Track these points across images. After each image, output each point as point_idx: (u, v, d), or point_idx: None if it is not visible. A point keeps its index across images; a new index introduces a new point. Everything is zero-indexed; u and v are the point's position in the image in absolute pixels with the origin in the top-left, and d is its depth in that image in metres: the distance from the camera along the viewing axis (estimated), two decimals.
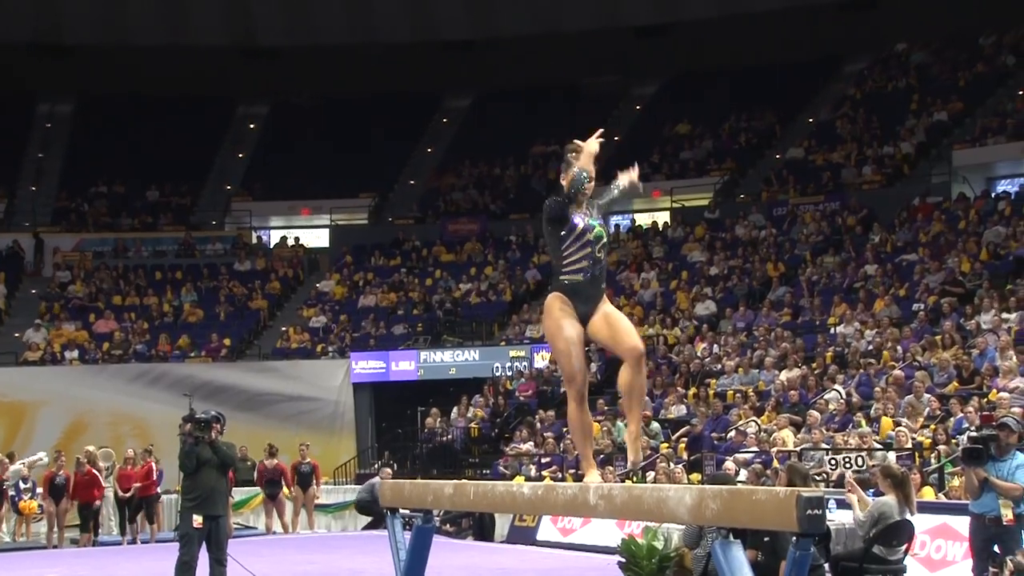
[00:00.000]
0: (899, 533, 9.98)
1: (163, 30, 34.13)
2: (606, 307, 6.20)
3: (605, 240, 6.18)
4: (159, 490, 19.61)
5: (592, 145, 6.29)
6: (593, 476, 6.11)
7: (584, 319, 6.14)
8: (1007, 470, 9.69)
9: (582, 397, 6.13)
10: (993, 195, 25.42)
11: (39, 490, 19.23)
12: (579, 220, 6.12)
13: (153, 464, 19.05)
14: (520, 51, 34.30)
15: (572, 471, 18.82)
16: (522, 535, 17.65)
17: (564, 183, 6.19)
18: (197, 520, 10.65)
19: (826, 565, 9.92)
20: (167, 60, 34.04)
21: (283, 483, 19.82)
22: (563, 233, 6.13)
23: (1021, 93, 27.72)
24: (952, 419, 15.15)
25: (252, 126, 37.20)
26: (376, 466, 24.59)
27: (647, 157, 33.06)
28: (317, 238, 34.49)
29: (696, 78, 33.83)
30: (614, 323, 6.10)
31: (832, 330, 21.27)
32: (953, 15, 30.34)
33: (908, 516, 9.88)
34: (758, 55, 32.59)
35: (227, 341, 28.78)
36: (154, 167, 34.43)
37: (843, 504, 11.61)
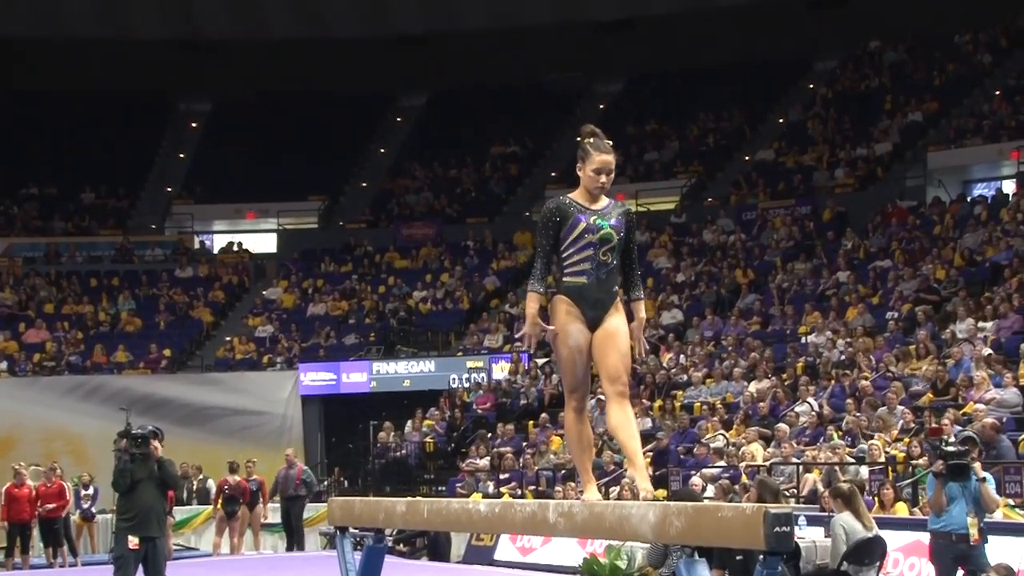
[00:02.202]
0: (870, 551, 10.08)
1: (100, 23, 33.95)
2: (615, 319, 5.86)
3: (615, 243, 5.83)
4: (93, 510, 19.45)
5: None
6: (592, 493, 5.90)
7: (593, 324, 5.83)
8: (974, 485, 9.79)
9: (581, 409, 5.96)
10: (969, 199, 25.69)
11: None
12: (582, 219, 5.82)
13: (65, 483, 18.81)
14: (478, 47, 34.37)
15: (532, 488, 18.84)
16: (479, 555, 17.64)
17: (580, 174, 5.90)
18: (133, 541, 10.55)
19: None
20: (103, 54, 33.85)
21: (242, 501, 19.66)
22: (563, 233, 5.85)
23: (998, 93, 28.04)
24: (926, 432, 15.28)
25: (194, 125, 37.01)
26: (326, 483, 24.52)
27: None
28: (263, 243, 34.35)
29: (662, 76, 34.03)
30: (610, 344, 5.79)
31: (803, 339, 21.40)
32: (927, 12, 30.69)
33: (871, 531, 10.01)
34: (727, 52, 32.82)
35: (167, 352, 28.60)
36: (89, 167, 34.18)
37: (814, 521, 11.72)
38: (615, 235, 5.84)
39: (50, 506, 18.13)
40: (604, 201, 5.91)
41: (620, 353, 5.80)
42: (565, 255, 5.87)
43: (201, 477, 21.59)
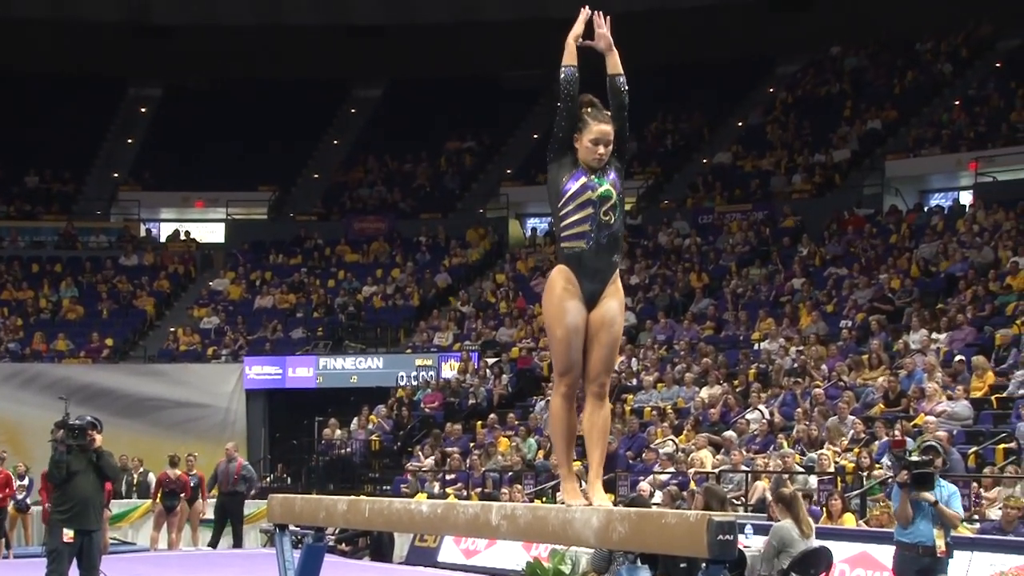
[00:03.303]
0: (817, 561, 10.18)
1: (51, 4, 33.59)
2: (612, 305, 5.60)
3: (615, 201, 5.59)
4: (28, 501, 19.26)
5: (577, 27, 5.90)
6: (571, 494, 5.62)
7: (591, 300, 5.57)
8: (939, 499, 9.78)
9: (572, 395, 5.60)
10: (926, 209, 25.97)
11: None
12: (583, 175, 5.58)
13: (9, 472, 18.65)
14: (436, 39, 34.32)
15: (478, 489, 18.84)
16: (422, 556, 17.63)
17: (577, 145, 5.63)
18: (68, 534, 10.46)
19: None
20: (52, 35, 33.51)
21: (182, 496, 19.51)
22: (562, 189, 5.60)
23: (957, 103, 28.35)
24: (877, 442, 15.43)
25: (143, 110, 36.75)
26: (268, 479, 24.41)
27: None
28: (211, 233, 34.15)
29: None
30: (600, 338, 5.55)
31: (756, 346, 21.54)
32: (890, 18, 30.96)
33: (809, 539, 10.10)
34: (687, 53, 32.95)
35: (109, 341, 28.39)
36: (34, 151, 33.86)
37: (761, 530, 11.80)
38: (614, 192, 5.60)
39: None
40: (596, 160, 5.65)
41: (607, 348, 5.57)
42: (563, 213, 5.60)
43: (142, 470, 21.43)
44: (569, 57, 5.79)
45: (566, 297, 5.57)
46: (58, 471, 10.63)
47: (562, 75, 5.73)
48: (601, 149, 5.61)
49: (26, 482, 19.41)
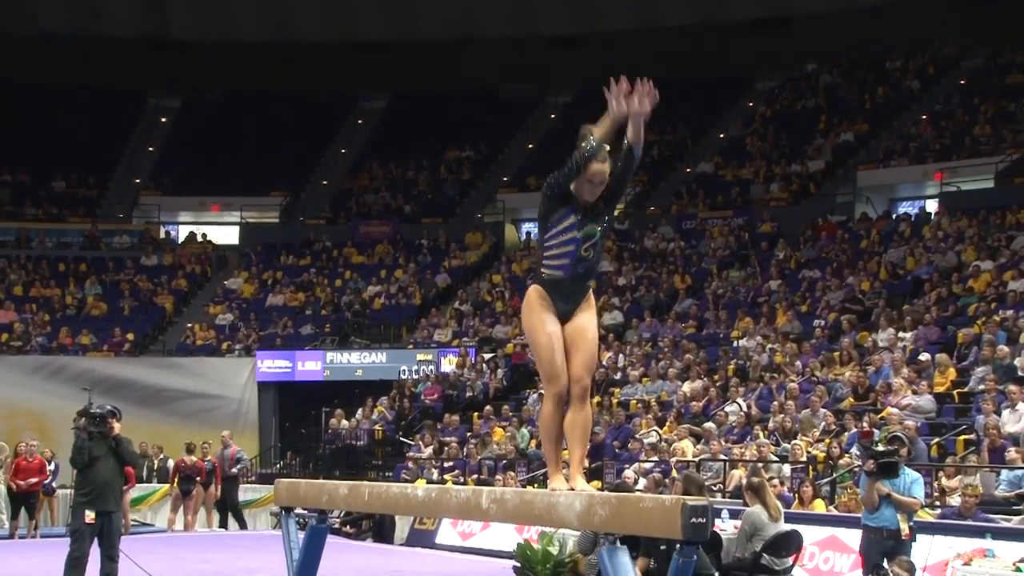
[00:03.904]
0: (787, 543, 10.22)
1: (73, 18, 33.60)
2: (585, 317, 5.67)
3: (598, 238, 5.58)
4: (54, 485, 19.29)
5: (618, 105, 5.43)
6: (559, 482, 5.62)
7: (564, 318, 5.63)
8: (903, 485, 9.89)
9: (560, 399, 5.58)
10: (895, 216, 26.00)
11: None
12: (572, 214, 5.52)
13: (42, 458, 18.69)
14: (437, 55, 34.35)
15: (474, 476, 18.87)
16: (421, 538, 17.66)
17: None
18: (89, 516, 10.49)
19: (716, 574, 10.11)
20: (77, 49, 33.49)
21: (198, 481, 19.52)
22: (551, 221, 5.55)
23: (924, 117, 28.41)
24: (847, 433, 15.47)
25: (163, 120, 36.75)
26: (279, 466, 24.43)
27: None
28: (226, 235, 34.16)
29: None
30: (578, 344, 5.59)
31: (735, 343, 21.56)
32: (863, 38, 31.00)
33: (778, 522, 10.16)
34: (671, 69, 32.80)
35: (130, 336, 28.41)
36: (61, 157, 33.87)
37: (735, 515, 11.83)
38: (598, 231, 5.59)
39: (32, 480, 18.03)
40: (592, 195, 5.57)
41: (585, 353, 5.59)
42: (547, 244, 5.59)
43: (161, 457, 21.46)
44: (601, 133, 5.52)
45: (543, 310, 5.63)
46: (80, 456, 10.65)
47: (586, 146, 5.50)
48: (597, 189, 5.55)
49: (52, 467, 19.43)
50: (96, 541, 10.60)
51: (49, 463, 19.50)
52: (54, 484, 19.35)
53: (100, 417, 10.70)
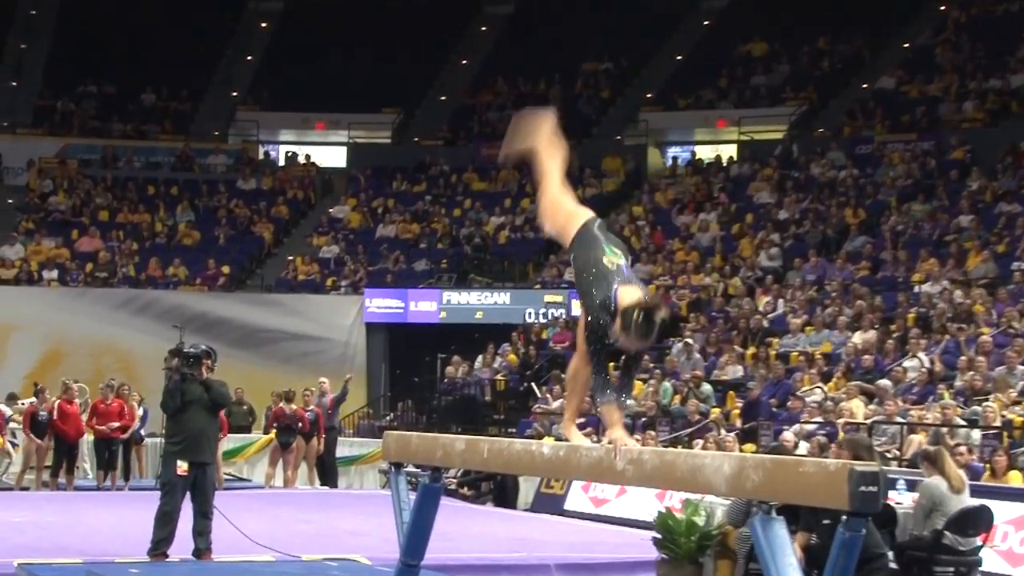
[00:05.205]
0: (975, 520, 10.04)
1: None
2: None
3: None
4: (142, 432, 19.81)
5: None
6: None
7: None
8: None
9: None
10: None
11: (11, 426, 19.54)
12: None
13: (125, 403, 19.08)
14: None
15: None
16: (548, 503, 17.75)
17: (618, 331, 6.14)
18: (181, 467, 10.74)
19: (890, 554, 9.99)
20: None
21: (299, 432, 19.86)
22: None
23: None
24: None
25: (263, 25, 37.12)
26: (389, 418, 24.80)
27: (714, 81, 32.86)
28: (332, 157, 34.59)
29: None
30: None
31: (916, 288, 21.21)
32: None
33: (961, 494, 9.97)
34: None
35: (225, 269, 29.01)
36: (151, 67, 34.49)
37: (913, 486, 11.64)
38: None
39: (114, 425, 18.48)
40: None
41: None
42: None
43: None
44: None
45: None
46: (172, 400, 10.92)
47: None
48: (631, 352, 6.33)
49: (141, 412, 19.93)
50: (188, 495, 10.88)
51: (137, 407, 20.05)
52: (142, 431, 19.91)
53: (194, 357, 10.95)
